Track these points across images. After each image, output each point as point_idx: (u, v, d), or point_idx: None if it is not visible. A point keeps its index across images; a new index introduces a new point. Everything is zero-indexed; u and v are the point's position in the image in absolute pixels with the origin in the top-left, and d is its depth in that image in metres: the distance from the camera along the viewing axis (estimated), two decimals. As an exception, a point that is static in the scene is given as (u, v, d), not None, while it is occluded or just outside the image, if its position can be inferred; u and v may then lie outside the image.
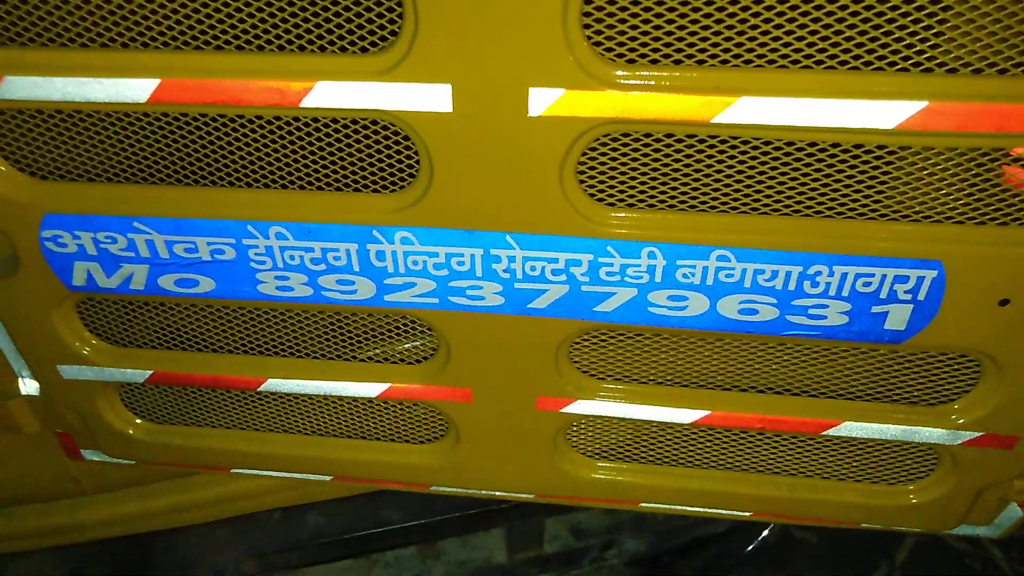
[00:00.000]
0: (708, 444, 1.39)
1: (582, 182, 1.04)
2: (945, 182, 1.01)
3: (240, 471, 1.55)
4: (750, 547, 2.14)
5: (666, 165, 1.03)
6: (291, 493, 1.67)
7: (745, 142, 1.00)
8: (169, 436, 1.50)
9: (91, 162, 1.14)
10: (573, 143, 0.98)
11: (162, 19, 0.98)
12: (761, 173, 1.02)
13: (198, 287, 1.20)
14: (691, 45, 0.91)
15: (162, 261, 1.17)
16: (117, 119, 1.09)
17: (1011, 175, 0.99)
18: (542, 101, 0.94)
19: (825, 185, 1.02)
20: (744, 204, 1.05)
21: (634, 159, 1.03)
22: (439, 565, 1.96)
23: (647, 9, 0.89)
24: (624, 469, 1.42)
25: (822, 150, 0.99)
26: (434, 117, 0.97)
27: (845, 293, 1.07)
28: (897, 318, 1.09)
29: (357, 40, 0.96)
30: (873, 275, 1.05)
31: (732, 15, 0.89)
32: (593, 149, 1.02)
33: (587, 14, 0.89)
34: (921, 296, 1.06)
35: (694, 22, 0.90)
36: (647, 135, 1.01)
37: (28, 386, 1.44)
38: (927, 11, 0.86)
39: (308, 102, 0.98)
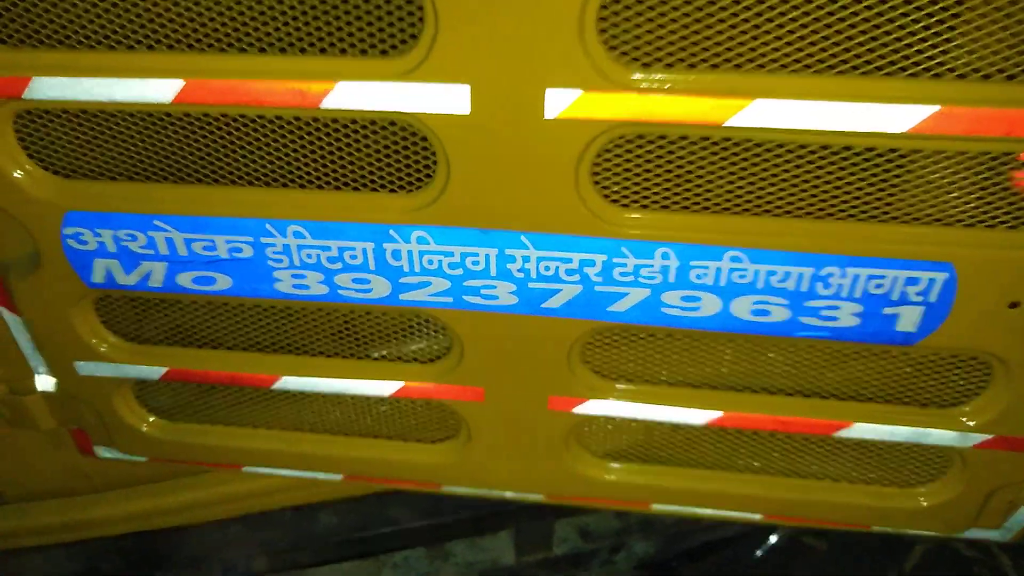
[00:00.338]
0: (720, 445, 1.40)
1: (597, 183, 1.06)
2: (956, 185, 1.03)
3: (252, 469, 1.57)
4: (759, 552, 2.14)
5: (680, 167, 1.05)
6: (302, 492, 1.68)
7: (758, 144, 1.01)
8: (182, 433, 1.51)
9: (113, 161, 1.16)
10: (588, 144, 0.99)
11: (187, 21, 1.00)
12: (774, 175, 1.03)
13: (215, 284, 1.22)
14: (705, 49, 0.93)
15: (181, 259, 1.19)
16: (140, 119, 1.11)
17: (1020, 179, 1.01)
18: (559, 103, 0.95)
19: (837, 187, 1.03)
20: (757, 206, 1.06)
21: (648, 160, 1.04)
22: (447, 566, 1.97)
23: (662, 14, 0.91)
24: (635, 470, 1.43)
25: (834, 153, 1.00)
26: (452, 119, 0.98)
27: (857, 295, 1.09)
28: (908, 320, 1.10)
29: (377, 43, 0.98)
30: (885, 277, 1.06)
31: (746, 19, 0.91)
32: (608, 150, 1.03)
33: (603, 18, 0.90)
34: (932, 298, 1.07)
35: (709, 27, 0.91)
36: (661, 137, 1.02)
37: (45, 382, 1.46)
38: (937, 17, 0.87)
39: (328, 103, 1.00)
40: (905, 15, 0.88)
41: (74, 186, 1.16)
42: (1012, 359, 1.13)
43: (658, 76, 0.94)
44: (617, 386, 1.30)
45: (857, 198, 1.04)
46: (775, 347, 1.25)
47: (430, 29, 0.92)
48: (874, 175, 1.02)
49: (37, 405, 1.48)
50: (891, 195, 1.04)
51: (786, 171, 1.03)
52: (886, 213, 1.04)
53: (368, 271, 1.17)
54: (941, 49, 0.90)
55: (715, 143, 1.02)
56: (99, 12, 1.00)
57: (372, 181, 1.12)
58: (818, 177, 1.03)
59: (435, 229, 1.11)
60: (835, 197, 1.04)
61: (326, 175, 1.12)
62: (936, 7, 0.87)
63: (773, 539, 2.15)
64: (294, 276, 1.19)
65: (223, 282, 1.21)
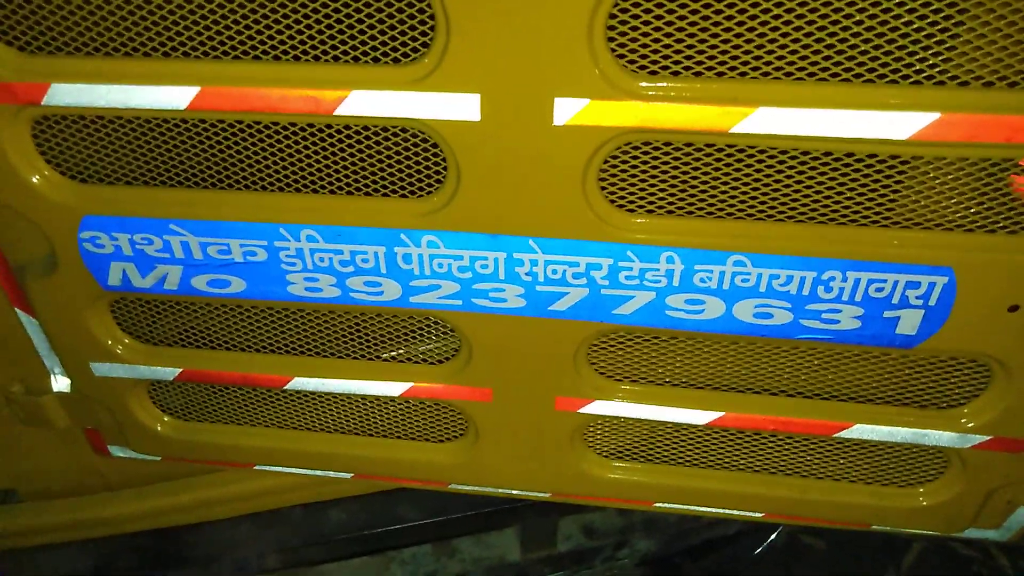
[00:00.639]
0: (722, 445, 1.42)
1: (603, 188, 1.08)
2: (956, 191, 1.05)
3: (263, 468, 1.59)
4: (758, 550, 2.16)
5: (685, 173, 1.07)
6: (312, 490, 1.71)
7: (762, 151, 1.03)
8: (195, 433, 1.54)
9: (129, 166, 1.19)
10: (596, 151, 1.01)
11: (203, 29, 1.02)
12: (777, 181, 1.06)
13: (230, 287, 1.24)
14: (711, 58, 0.95)
15: (196, 262, 1.21)
16: (155, 124, 1.14)
17: (1019, 184, 1.03)
18: (567, 111, 0.98)
19: (839, 193, 1.05)
20: (760, 211, 1.08)
21: (654, 167, 1.07)
22: (454, 563, 1.99)
23: (669, 23, 0.93)
24: (639, 469, 1.46)
25: (836, 159, 1.02)
26: (463, 125, 1.00)
27: (858, 298, 1.11)
28: (908, 323, 1.12)
29: (390, 51, 1.00)
30: (885, 281, 1.08)
31: (750, 29, 0.93)
32: (615, 157, 1.05)
33: (611, 28, 0.92)
34: (932, 302, 1.09)
35: (714, 36, 0.93)
36: (667, 144, 1.04)
37: (60, 383, 1.48)
38: (939, 26, 0.89)
39: (342, 110, 1.02)
40: (908, 23, 0.90)
41: (91, 190, 1.18)
42: (1011, 362, 1.15)
43: (665, 84, 0.96)
44: (622, 387, 1.32)
45: (858, 203, 1.06)
46: (777, 349, 1.27)
47: (441, 38, 0.95)
48: (875, 180, 1.04)
49: (52, 405, 1.50)
50: (892, 200, 1.06)
51: (789, 177, 1.05)
52: (887, 218, 1.07)
53: (379, 274, 1.19)
54: (943, 57, 0.92)
55: (719, 149, 1.05)
56: (116, 20, 1.03)
57: (383, 186, 1.14)
58: (820, 183, 1.05)
59: (445, 233, 1.13)
60: (837, 202, 1.06)
61: (338, 180, 1.14)
62: (938, 16, 0.89)
63: (772, 537, 2.16)
64: (307, 279, 1.21)
65: (237, 285, 1.24)
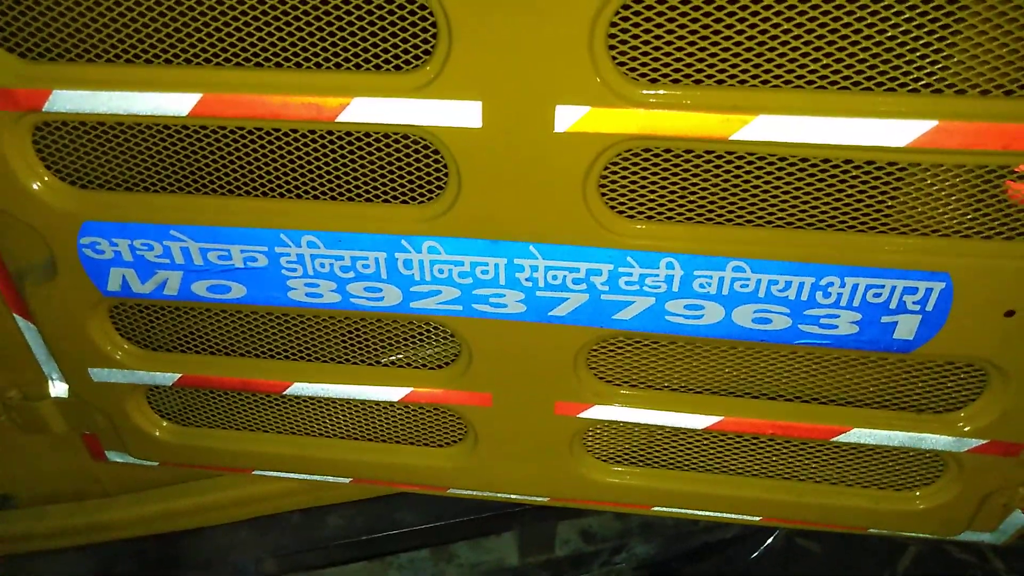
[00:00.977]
0: (720, 449, 1.42)
1: (604, 195, 1.08)
2: (953, 197, 1.06)
3: (262, 473, 1.59)
4: (755, 553, 2.17)
5: (685, 179, 1.08)
6: (310, 495, 1.71)
7: (761, 158, 1.04)
8: (194, 438, 1.53)
9: (130, 171, 1.19)
10: (596, 158, 1.02)
11: (205, 36, 1.03)
12: (776, 188, 1.06)
13: (230, 293, 1.25)
14: (711, 66, 0.96)
15: (196, 268, 1.22)
16: (157, 131, 1.14)
17: (1014, 190, 1.04)
18: (568, 118, 0.98)
19: (837, 199, 1.06)
20: (759, 217, 1.09)
21: (654, 173, 1.07)
22: (452, 568, 1.99)
23: (670, 32, 0.94)
24: (638, 473, 1.46)
25: (835, 166, 1.03)
26: (464, 132, 1.01)
27: (856, 303, 1.11)
28: (906, 328, 1.13)
29: (392, 59, 1.01)
30: (883, 286, 1.09)
31: (750, 37, 0.94)
32: (615, 163, 1.06)
33: (612, 36, 0.93)
34: (929, 307, 1.10)
35: (714, 44, 0.94)
36: (667, 151, 1.05)
37: (58, 388, 1.48)
38: (937, 35, 0.90)
39: (344, 117, 1.02)
40: (905, 32, 0.91)
41: (91, 196, 1.18)
42: (1007, 366, 1.16)
43: (665, 92, 0.97)
44: (621, 391, 1.33)
45: (856, 210, 1.07)
46: (775, 354, 1.27)
47: (443, 46, 0.95)
48: (873, 187, 1.05)
49: (50, 410, 1.50)
50: (890, 207, 1.07)
51: (788, 183, 1.06)
52: (884, 224, 1.07)
53: (380, 280, 1.19)
54: (940, 65, 0.93)
55: (719, 156, 1.05)
56: (118, 27, 1.03)
57: (384, 192, 1.14)
58: (819, 189, 1.06)
59: (446, 239, 1.13)
60: (835, 209, 1.07)
61: (339, 186, 1.15)
62: (935, 25, 0.90)
63: (769, 541, 2.17)
64: (307, 285, 1.21)
65: (237, 290, 1.24)
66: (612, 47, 0.94)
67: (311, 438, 1.52)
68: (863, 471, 1.41)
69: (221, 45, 1.03)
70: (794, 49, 0.94)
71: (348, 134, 1.09)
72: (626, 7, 0.91)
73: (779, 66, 0.95)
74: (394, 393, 1.37)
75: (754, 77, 0.97)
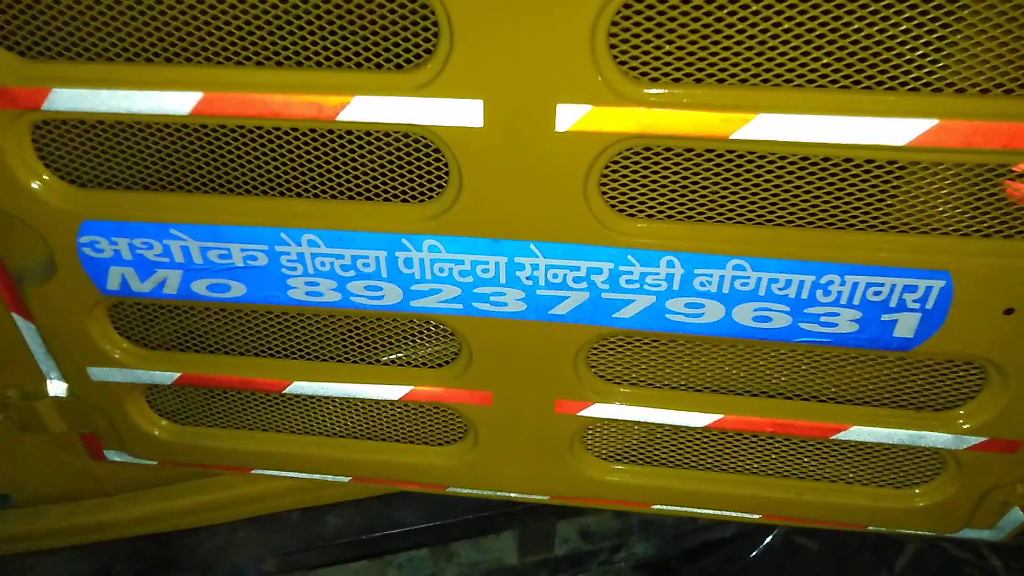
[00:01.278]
0: (720, 447, 1.43)
1: (604, 193, 1.08)
2: (953, 196, 1.06)
3: (261, 472, 1.59)
4: (754, 552, 2.18)
5: (685, 178, 1.08)
6: (309, 494, 1.71)
7: (762, 156, 1.04)
8: (192, 437, 1.53)
9: (130, 170, 1.18)
10: (597, 157, 1.02)
11: (205, 35, 1.02)
12: (776, 186, 1.07)
13: (230, 292, 1.24)
14: (712, 64, 0.96)
15: (196, 266, 1.21)
16: (157, 129, 1.14)
17: (1013, 189, 1.04)
18: (569, 117, 0.98)
19: (838, 198, 1.06)
20: (760, 216, 1.09)
21: (655, 172, 1.07)
22: (451, 567, 1.99)
23: (671, 30, 0.94)
24: (638, 471, 1.46)
25: (835, 164, 1.03)
26: (465, 131, 1.01)
27: (856, 301, 1.12)
28: (906, 326, 1.13)
29: (393, 57, 1.01)
30: (883, 284, 1.09)
31: (751, 36, 0.94)
32: (615, 162, 1.06)
33: (614, 35, 0.93)
34: (929, 305, 1.10)
35: (715, 43, 0.94)
36: (668, 149, 1.05)
37: (56, 387, 1.48)
38: (937, 34, 0.91)
39: (344, 116, 1.02)
40: (906, 31, 0.91)
41: (90, 195, 1.18)
42: (1007, 364, 1.16)
43: (666, 91, 0.97)
44: (621, 390, 1.33)
45: (857, 208, 1.07)
46: (775, 352, 1.28)
47: (445, 44, 0.95)
48: (873, 186, 1.05)
49: (48, 410, 1.50)
50: (890, 205, 1.07)
51: (788, 182, 1.06)
52: (884, 223, 1.08)
53: (380, 278, 1.19)
54: (940, 64, 0.93)
55: (720, 155, 1.05)
56: (118, 26, 1.02)
57: (385, 191, 1.14)
58: (819, 188, 1.06)
59: (446, 238, 1.13)
60: (835, 207, 1.07)
61: (340, 185, 1.15)
62: (935, 24, 0.90)
63: (768, 539, 2.18)
64: (307, 284, 1.21)
65: (237, 289, 1.24)
66: (613, 46, 0.94)
67: (310, 437, 1.52)
68: (862, 469, 1.41)
69: (222, 44, 1.03)
70: (795, 48, 0.94)
71: (348, 133, 1.09)
72: (627, 6, 0.91)
73: (780, 65, 0.95)
74: (394, 392, 1.37)
75: (755, 76, 0.97)
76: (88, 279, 1.25)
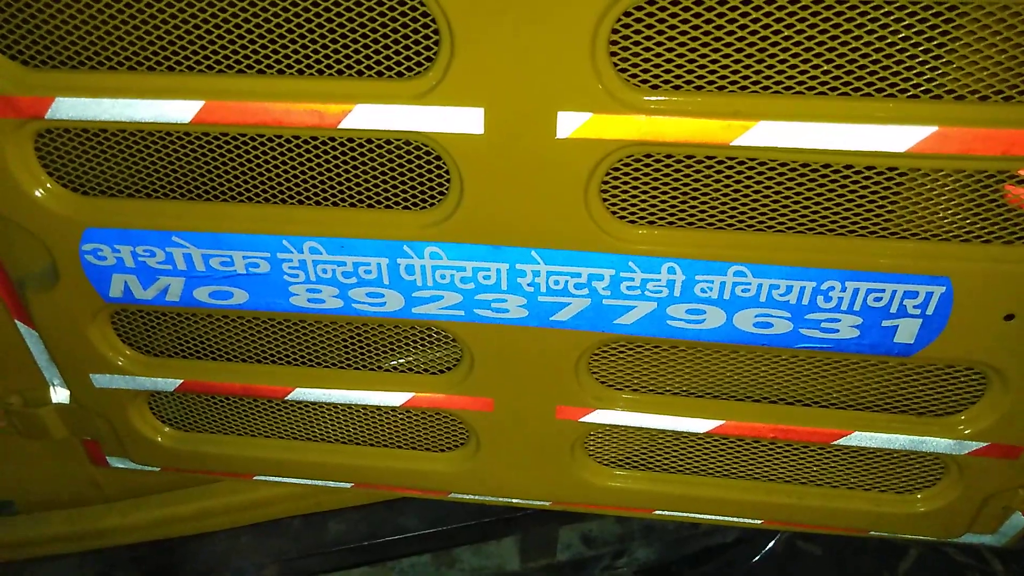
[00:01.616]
0: (721, 453, 1.43)
1: (605, 200, 1.09)
2: (953, 202, 1.06)
3: (263, 478, 1.59)
4: (757, 557, 2.18)
5: (686, 185, 1.08)
6: (311, 500, 1.71)
7: (762, 163, 1.04)
8: (194, 443, 1.54)
9: (132, 178, 1.19)
10: (598, 164, 1.02)
11: (207, 44, 1.03)
12: (777, 193, 1.07)
13: (232, 299, 1.25)
14: (712, 72, 0.96)
15: (198, 274, 1.22)
16: (159, 137, 1.14)
17: (1013, 194, 1.04)
18: (570, 124, 0.99)
19: (838, 204, 1.07)
20: (760, 222, 1.10)
21: (656, 179, 1.08)
22: (453, 572, 1.99)
23: (671, 38, 0.94)
24: (639, 477, 1.46)
25: (835, 171, 1.04)
26: (466, 139, 1.01)
27: (857, 307, 1.12)
28: (906, 332, 1.13)
29: (394, 65, 1.01)
30: (884, 290, 1.10)
31: (751, 44, 0.94)
32: (616, 169, 1.06)
33: (614, 42, 0.94)
34: (930, 311, 1.10)
35: (715, 50, 0.95)
36: (669, 156, 1.05)
37: (59, 394, 1.48)
38: (936, 41, 0.91)
39: (346, 124, 1.03)
40: (905, 39, 0.91)
41: (93, 203, 1.19)
42: (1007, 369, 1.16)
43: (666, 98, 0.97)
44: (623, 396, 1.33)
45: (857, 214, 1.07)
46: (776, 358, 1.28)
47: (445, 53, 0.95)
48: (873, 192, 1.06)
49: (50, 416, 1.50)
50: (890, 211, 1.07)
51: (788, 188, 1.06)
52: (885, 229, 1.08)
53: (382, 285, 1.20)
54: (940, 71, 0.94)
55: (720, 161, 1.06)
56: (121, 35, 1.03)
57: (387, 198, 1.15)
58: (819, 194, 1.06)
59: (448, 245, 1.14)
60: (836, 213, 1.07)
61: (341, 192, 1.15)
62: (935, 31, 0.90)
63: (770, 544, 2.18)
64: (309, 291, 1.22)
65: (240, 296, 1.24)
66: (614, 53, 0.94)
67: (312, 443, 1.52)
68: (864, 474, 1.41)
69: (224, 52, 1.03)
70: (795, 56, 0.94)
71: (350, 140, 1.10)
72: (628, 14, 0.91)
73: (780, 72, 0.96)
74: (396, 398, 1.37)
75: (755, 83, 0.97)
76: (91, 286, 1.26)
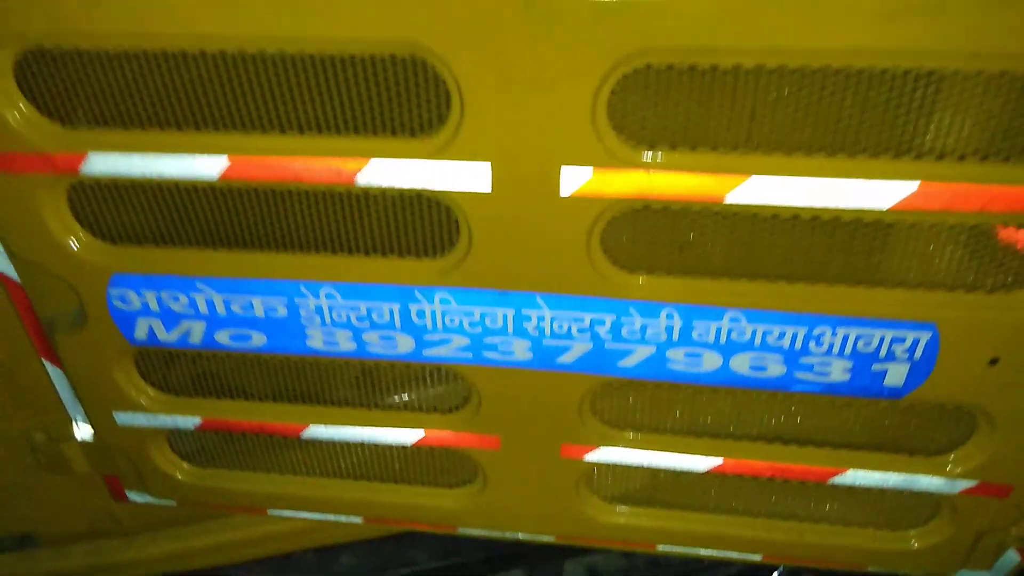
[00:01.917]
0: (722, 489, 1.47)
1: (606, 250, 1.14)
2: (937, 252, 1.11)
3: (277, 512, 1.63)
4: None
5: (684, 233, 1.14)
6: (323, 534, 1.75)
7: (755, 215, 1.10)
8: (212, 479, 1.58)
9: (158, 227, 1.25)
10: (599, 216, 1.08)
11: (232, 102, 1.10)
12: (769, 242, 1.12)
13: (251, 341, 1.30)
14: (705, 131, 1.03)
15: (219, 318, 1.28)
16: (183, 189, 1.20)
17: (1006, 235, 1.09)
18: (573, 180, 1.05)
19: (827, 254, 1.12)
20: (754, 270, 1.15)
21: (655, 225, 1.13)
22: (461, 605, 2.02)
23: (666, 98, 1.00)
24: (642, 513, 1.50)
25: (824, 222, 1.09)
26: (475, 196, 1.07)
27: (847, 352, 1.17)
28: (896, 375, 1.18)
29: (407, 123, 1.07)
30: (872, 336, 1.15)
31: (743, 105, 1.00)
32: (617, 219, 1.12)
33: (612, 104, 1.00)
34: (917, 356, 1.15)
35: (709, 111, 1.01)
36: (665, 208, 1.11)
37: (82, 431, 1.53)
38: (917, 104, 0.97)
39: (362, 179, 1.09)
40: (888, 102, 0.97)
41: (121, 251, 1.25)
42: (994, 411, 1.21)
43: (663, 156, 1.03)
44: (625, 434, 1.38)
45: (846, 263, 1.13)
46: (772, 399, 1.32)
47: (456, 113, 1.02)
48: (861, 243, 1.11)
49: (73, 452, 1.55)
50: (877, 261, 1.13)
51: (780, 239, 1.12)
52: (873, 277, 1.13)
53: (394, 329, 1.25)
54: (922, 132, 0.99)
55: (715, 213, 1.11)
56: (151, 94, 1.10)
57: (399, 246, 1.21)
58: (810, 244, 1.12)
59: (457, 291, 1.19)
60: (825, 262, 1.13)
61: (357, 241, 1.21)
62: (916, 94, 0.96)
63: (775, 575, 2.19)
64: (325, 333, 1.27)
65: (258, 339, 1.30)
66: (613, 115, 1.00)
67: (325, 479, 1.57)
68: (860, 511, 1.45)
69: (248, 110, 1.10)
70: (785, 116, 1.00)
71: (366, 193, 1.16)
72: (626, 76, 0.97)
73: (771, 131, 1.02)
74: (408, 436, 1.42)
75: (747, 141, 1.03)
76: (117, 329, 1.31)
